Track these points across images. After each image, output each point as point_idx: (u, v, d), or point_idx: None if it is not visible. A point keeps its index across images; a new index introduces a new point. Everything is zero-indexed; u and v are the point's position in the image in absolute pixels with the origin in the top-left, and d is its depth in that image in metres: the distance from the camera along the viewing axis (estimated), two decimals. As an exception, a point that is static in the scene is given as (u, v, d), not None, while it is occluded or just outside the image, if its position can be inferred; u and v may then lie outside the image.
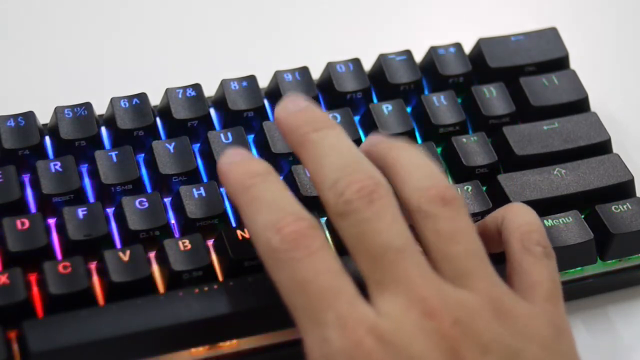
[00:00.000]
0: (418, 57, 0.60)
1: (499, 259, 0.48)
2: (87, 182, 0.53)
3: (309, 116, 0.47)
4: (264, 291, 0.45)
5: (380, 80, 0.59)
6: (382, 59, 0.59)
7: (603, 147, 0.58)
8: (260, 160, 0.47)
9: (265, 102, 0.57)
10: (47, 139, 0.54)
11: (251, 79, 0.57)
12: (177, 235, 0.52)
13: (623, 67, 0.67)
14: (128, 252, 0.49)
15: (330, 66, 0.58)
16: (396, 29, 0.68)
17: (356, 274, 0.44)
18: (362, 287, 0.43)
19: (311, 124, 0.47)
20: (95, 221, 0.50)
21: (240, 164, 0.47)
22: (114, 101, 0.55)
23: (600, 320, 0.55)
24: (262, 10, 0.68)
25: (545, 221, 0.53)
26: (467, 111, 0.58)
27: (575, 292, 0.54)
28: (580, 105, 0.59)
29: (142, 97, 0.55)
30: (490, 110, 0.58)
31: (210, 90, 0.57)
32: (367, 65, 0.60)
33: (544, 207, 0.53)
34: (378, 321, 0.42)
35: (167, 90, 0.56)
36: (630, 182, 0.56)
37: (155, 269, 0.50)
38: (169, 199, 0.53)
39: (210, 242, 0.51)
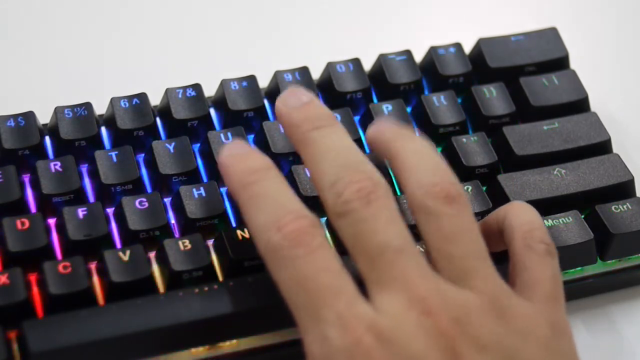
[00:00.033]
0: (418, 57, 0.60)
1: (501, 259, 0.48)
2: (87, 182, 0.53)
3: (310, 113, 0.47)
4: (264, 291, 0.45)
5: (380, 80, 0.59)
6: (382, 59, 0.59)
7: (603, 147, 0.58)
8: (261, 155, 0.47)
9: (265, 102, 0.57)
10: (47, 139, 0.54)
11: (251, 79, 0.57)
12: (177, 235, 0.52)
13: (623, 67, 0.67)
14: (128, 252, 0.49)
15: (330, 66, 0.58)
16: (396, 29, 0.68)
17: (356, 273, 0.44)
18: (362, 286, 0.44)
19: (312, 122, 0.47)
20: (95, 221, 0.50)
21: (241, 158, 0.47)
22: (114, 101, 0.55)
23: (600, 320, 0.55)
24: (262, 10, 0.68)
25: (545, 221, 0.53)
26: (467, 111, 0.58)
27: (575, 292, 0.54)
28: (580, 105, 0.59)
29: (142, 97, 0.55)
30: (490, 110, 0.58)
31: (210, 90, 0.57)
32: (367, 65, 0.60)
33: (544, 207, 0.53)
34: (377, 319, 0.42)
35: (167, 90, 0.56)
36: (630, 182, 0.56)
37: (155, 269, 0.50)
38: (169, 199, 0.53)
39: (210, 242, 0.51)
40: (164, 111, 0.56)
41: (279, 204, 0.44)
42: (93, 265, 0.50)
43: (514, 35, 0.61)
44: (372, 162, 0.54)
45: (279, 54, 0.65)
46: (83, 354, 0.46)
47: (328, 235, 0.51)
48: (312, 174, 0.46)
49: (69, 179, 0.51)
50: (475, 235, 0.45)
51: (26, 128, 0.53)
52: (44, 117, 0.55)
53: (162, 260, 0.49)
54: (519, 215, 0.48)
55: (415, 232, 0.52)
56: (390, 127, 0.49)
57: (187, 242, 0.50)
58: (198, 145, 0.55)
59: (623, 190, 0.56)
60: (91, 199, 0.52)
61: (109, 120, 0.55)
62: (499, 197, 0.54)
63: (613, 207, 0.55)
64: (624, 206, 0.55)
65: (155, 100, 0.56)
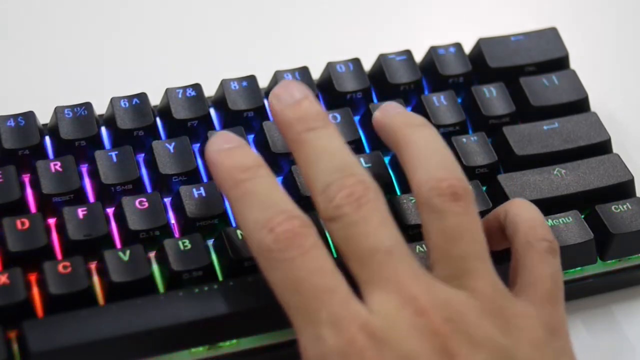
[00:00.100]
0: (418, 57, 0.60)
1: (501, 258, 0.48)
2: (87, 182, 0.53)
3: (303, 112, 0.47)
4: (264, 291, 0.45)
5: (380, 80, 0.59)
6: (382, 59, 0.59)
7: (603, 147, 0.58)
8: (250, 152, 0.47)
9: (265, 102, 0.57)
10: (47, 139, 0.54)
11: (251, 79, 0.57)
12: (177, 235, 0.52)
13: (623, 67, 0.67)
14: (128, 252, 0.49)
15: (330, 66, 0.58)
16: (396, 29, 0.68)
17: (349, 274, 0.44)
18: (356, 287, 0.44)
19: (305, 122, 0.47)
20: (95, 221, 0.50)
21: (230, 154, 0.47)
22: (114, 101, 0.55)
23: (600, 320, 0.55)
24: (262, 10, 0.68)
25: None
26: (467, 111, 0.58)
27: (575, 292, 0.54)
28: (580, 105, 0.59)
29: (142, 97, 0.55)
30: (490, 110, 0.58)
31: (210, 90, 0.57)
32: (367, 65, 0.60)
33: (544, 207, 0.53)
34: (370, 319, 0.42)
35: (167, 90, 0.56)
36: (630, 182, 0.56)
37: (155, 269, 0.50)
38: (169, 199, 0.53)
39: (210, 242, 0.51)
40: (164, 111, 0.56)
41: (270, 204, 0.44)
42: (93, 265, 0.50)
43: (514, 35, 0.61)
44: (372, 160, 0.54)
45: (279, 54, 0.65)
46: (83, 354, 0.46)
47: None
48: (304, 177, 0.46)
49: (69, 179, 0.51)
50: (477, 234, 0.45)
51: (26, 128, 0.53)
52: (44, 117, 0.55)
53: (162, 260, 0.49)
54: (521, 212, 0.48)
55: (411, 234, 0.52)
56: (398, 113, 0.49)
57: (187, 242, 0.50)
58: (198, 145, 0.55)
59: (623, 190, 0.56)
60: (91, 199, 0.52)
61: (109, 120, 0.55)
62: (499, 197, 0.54)
63: (613, 207, 0.55)
64: (624, 206, 0.55)
65: (155, 100, 0.56)
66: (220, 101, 0.57)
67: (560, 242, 0.53)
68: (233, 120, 0.56)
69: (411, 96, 0.59)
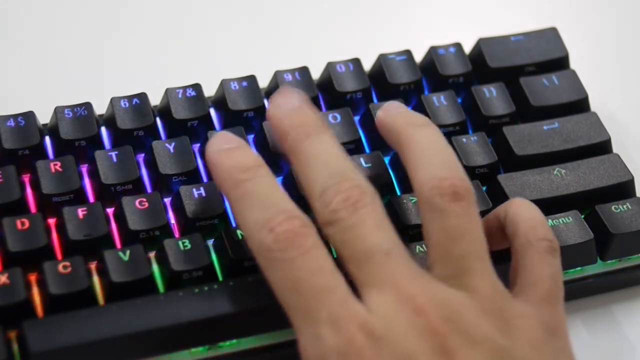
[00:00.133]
0: (418, 57, 0.60)
1: (501, 258, 0.48)
2: (87, 182, 0.53)
3: (300, 120, 0.47)
4: (264, 291, 0.45)
5: (380, 80, 0.59)
6: (382, 59, 0.59)
7: (603, 147, 0.58)
8: (250, 152, 0.47)
9: (265, 102, 0.57)
10: (47, 139, 0.54)
11: (251, 79, 0.57)
12: (177, 235, 0.52)
13: (623, 67, 0.67)
14: (128, 252, 0.49)
15: (330, 66, 0.58)
16: (396, 29, 0.68)
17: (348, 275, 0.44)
18: (355, 289, 0.44)
19: (301, 129, 0.47)
20: (95, 221, 0.50)
21: (230, 155, 0.47)
22: (114, 101, 0.55)
23: (600, 320, 0.55)
24: (262, 10, 0.68)
25: (545, 221, 0.53)
26: (467, 111, 0.58)
27: (575, 292, 0.54)
28: (580, 105, 0.59)
29: (142, 97, 0.55)
30: (490, 110, 0.58)
31: (210, 90, 0.57)
32: (367, 65, 0.60)
33: (544, 207, 0.53)
34: (369, 318, 0.42)
35: (167, 90, 0.56)
36: (630, 182, 0.56)
37: (155, 269, 0.50)
38: (169, 199, 0.53)
39: (210, 242, 0.51)
40: (164, 111, 0.56)
41: (270, 204, 0.45)
42: (93, 265, 0.50)
43: (514, 35, 0.61)
44: (372, 160, 0.54)
45: (279, 54, 0.65)
46: (83, 354, 0.46)
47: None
48: (301, 183, 0.46)
49: (69, 179, 0.51)
50: (477, 234, 0.45)
51: (26, 128, 0.53)
52: (44, 117, 0.55)
53: (162, 260, 0.49)
54: (521, 212, 0.48)
55: (411, 234, 0.52)
56: (401, 112, 0.49)
57: (187, 242, 0.50)
58: (198, 145, 0.55)
59: (623, 190, 0.56)
60: (91, 199, 0.52)
61: (109, 120, 0.55)
62: (499, 197, 0.54)
63: (613, 207, 0.55)
64: (624, 206, 0.55)
65: (155, 100, 0.56)
66: (220, 101, 0.57)
67: (560, 242, 0.53)
68: (233, 120, 0.56)
69: (411, 96, 0.59)
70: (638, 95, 0.66)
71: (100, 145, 0.54)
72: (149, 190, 0.53)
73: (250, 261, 0.49)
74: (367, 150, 0.56)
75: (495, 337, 0.43)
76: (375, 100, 0.59)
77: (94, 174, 0.52)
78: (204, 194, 0.52)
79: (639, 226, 0.54)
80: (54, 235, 0.50)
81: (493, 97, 0.58)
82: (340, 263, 0.44)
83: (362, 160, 0.54)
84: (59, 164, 0.52)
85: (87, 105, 0.54)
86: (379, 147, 0.55)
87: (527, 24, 0.64)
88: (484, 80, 0.60)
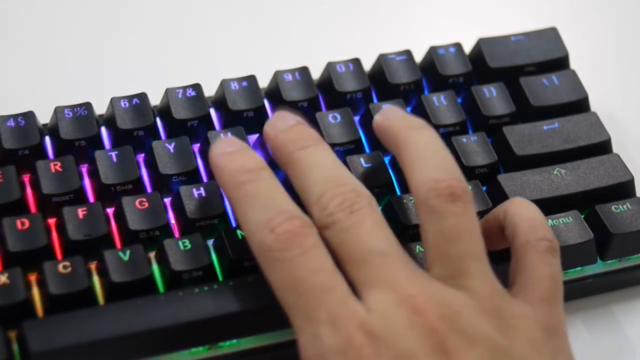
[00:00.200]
0: (418, 57, 0.60)
1: (501, 258, 0.48)
2: (87, 182, 0.53)
3: (295, 135, 0.48)
4: (264, 291, 0.45)
5: (380, 80, 0.59)
6: (382, 59, 0.59)
7: (603, 147, 0.58)
8: (253, 154, 0.48)
9: (265, 102, 0.57)
10: (47, 139, 0.54)
11: (251, 79, 0.57)
12: (177, 235, 0.52)
13: (623, 67, 0.67)
14: (128, 252, 0.49)
15: (330, 66, 0.58)
16: (396, 29, 0.68)
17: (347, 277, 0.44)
18: (354, 290, 0.44)
19: (297, 142, 0.48)
20: (95, 221, 0.50)
21: (233, 157, 0.47)
22: (114, 101, 0.55)
23: (600, 320, 0.55)
24: (262, 10, 0.68)
25: (545, 221, 0.53)
26: (467, 111, 0.58)
27: (575, 292, 0.54)
28: (580, 105, 0.59)
29: (142, 97, 0.55)
30: (490, 110, 0.58)
31: (210, 90, 0.57)
32: (367, 65, 0.60)
33: (544, 207, 0.53)
34: (368, 317, 0.42)
35: (167, 90, 0.56)
36: (630, 182, 0.56)
37: (155, 269, 0.50)
38: (169, 199, 0.53)
39: (210, 242, 0.51)
40: (164, 111, 0.56)
41: (271, 204, 0.45)
42: (93, 265, 0.50)
43: (514, 35, 0.61)
44: (372, 160, 0.54)
45: (279, 54, 0.65)
46: (83, 354, 0.46)
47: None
48: (299, 192, 0.47)
49: (69, 179, 0.51)
50: (475, 235, 0.46)
51: (26, 128, 0.53)
52: (44, 117, 0.55)
53: (162, 260, 0.49)
54: (520, 212, 0.48)
55: (411, 234, 0.52)
56: (398, 116, 0.49)
57: (187, 242, 0.50)
58: (198, 145, 0.55)
59: (623, 190, 0.56)
60: (91, 199, 0.52)
61: (109, 120, 0.55)
62: (499, 197, 0.54)
63: (613, 207, 0.55)
64: (624, 206, 0.55)
65: (155, 100, 0.56)
66: (220, 101, 0.57)
67: (560, 242, 0.53)
68: (233, 120, 0.56)
69: (411, 96, 0.59)
70: (638, 95, 0.66)
71: (100, 145, 0.54)
72: (149, 190, 0.53)
73: (250, 261, 0.49)
74: (367, 150, 0.56)
75: (494, 337, 0.43)
76: (375, 100, 0.59)
77: (94, 174, 0.52)
78: (204, 194, 0.52)
79: (639, 226, 0.54)
80: (54, 235, 0.50)
81: (493, 97, 0.58)
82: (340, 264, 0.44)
83: (362, 160, 0.54)
84: (59, 164, 0.52)
85: (87, 105, 0.54)
86: (379, 147, 0.55)
87: (527, 24, 0.64)
88: (484, 80, 0.60)
